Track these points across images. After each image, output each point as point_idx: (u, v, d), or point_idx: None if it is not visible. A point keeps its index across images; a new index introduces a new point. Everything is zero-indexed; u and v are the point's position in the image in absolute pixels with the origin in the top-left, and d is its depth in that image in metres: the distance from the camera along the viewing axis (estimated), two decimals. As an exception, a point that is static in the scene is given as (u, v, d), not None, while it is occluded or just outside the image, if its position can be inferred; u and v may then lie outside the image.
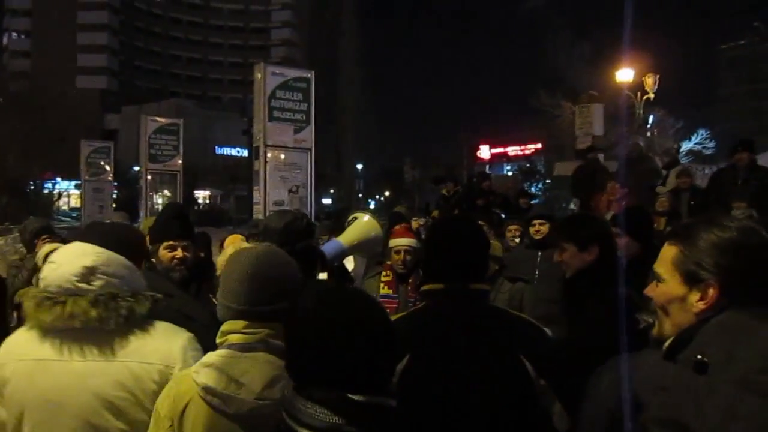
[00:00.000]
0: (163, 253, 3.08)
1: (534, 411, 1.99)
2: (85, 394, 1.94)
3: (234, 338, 1.84)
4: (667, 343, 1.48)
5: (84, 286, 1.99)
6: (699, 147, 37.31)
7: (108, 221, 4.41)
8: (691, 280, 1.45)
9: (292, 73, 9.53)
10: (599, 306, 2.43)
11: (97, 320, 1.95)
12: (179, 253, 3.09)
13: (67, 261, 2.03)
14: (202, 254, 4.92)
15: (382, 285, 4.35)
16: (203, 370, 1.78)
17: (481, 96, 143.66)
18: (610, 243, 2.81)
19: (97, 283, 2.00)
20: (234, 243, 4.31)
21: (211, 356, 1.84)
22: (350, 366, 1.41)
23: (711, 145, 37.31)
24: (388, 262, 4.43)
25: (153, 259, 3.05)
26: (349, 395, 1.38)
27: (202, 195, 57.82)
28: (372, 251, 4.23)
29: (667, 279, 1.51)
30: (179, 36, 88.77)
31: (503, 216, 8.76)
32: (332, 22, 79.65)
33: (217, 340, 1.89)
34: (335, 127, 68.29)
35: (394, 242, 4.39)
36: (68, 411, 1.94)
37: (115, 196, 21.35)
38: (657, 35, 33.48)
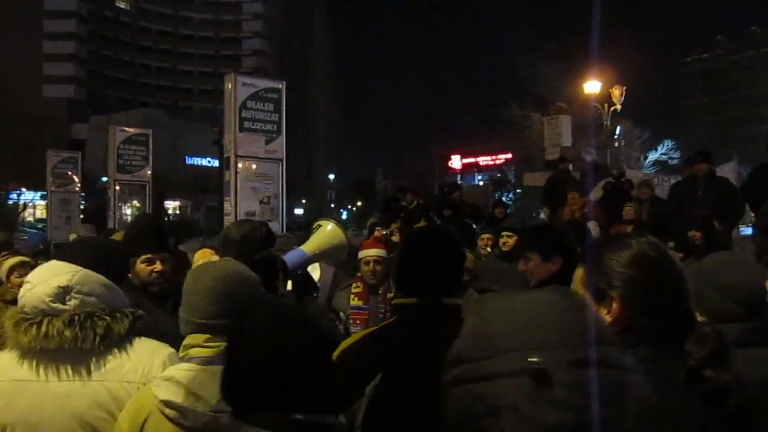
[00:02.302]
0: (141, 267, 2.97)
1: None
2: (63, 415, 1.93)
3: (195, 352, 1.85)
4: None
5: (58, 306, 1.96)
6: (665, 157, 38.11)
7: (91, 237, 4.29)
8: (599, 297, 1.50)
9: (263, 83, 9.52)
10: None
11: (72, 340, 1.93)
12: (158, 266, 2.99)
13: (41, 281, 2.01)
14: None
15: (352, 296, 4.36)
16: (163, 384, 1.79)
17: (452, 106, 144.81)
18: (573, 253, 2.86)
19: (72, 302, 1.98)
20: (204, 257, 4.30)
21: (172, 370, 1.85)
22: (289, 387, 1.43)
23: (676, 155, 38.12)
24: (359, 274, 4.44)
25: (129, 274, 2.92)
26: (290, 414, 1.40)
27: (172, 206, 57.13)
28: (337, 259, 4.21)
29: None
30: (149, 45, 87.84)
31: (474, 226, 8.83)
32: (304, 32, 79.72)
33: (180, 354, 1.90)
34: (307, 137, 68.16)
35: (363, 253, 4.41)
36: None
37: (82, 207, 20.99)
38: (623, 48, 34.13)
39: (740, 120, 70.37)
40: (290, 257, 3.38)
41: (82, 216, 18.85)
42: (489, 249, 6.58)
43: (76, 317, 1.96)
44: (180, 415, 1.72)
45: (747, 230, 9.25)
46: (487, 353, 1.04)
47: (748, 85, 74.12)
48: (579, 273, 1.57)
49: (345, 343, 2.11)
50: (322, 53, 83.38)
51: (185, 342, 1.89)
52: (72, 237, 7.19)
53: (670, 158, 38.16)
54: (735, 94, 74.87)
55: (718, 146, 47.85)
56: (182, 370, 1.82)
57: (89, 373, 1.97)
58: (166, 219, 47.16)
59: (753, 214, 7.76)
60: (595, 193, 9.69)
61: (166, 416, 1.74)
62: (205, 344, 1.84)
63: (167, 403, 1.74)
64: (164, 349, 2.10)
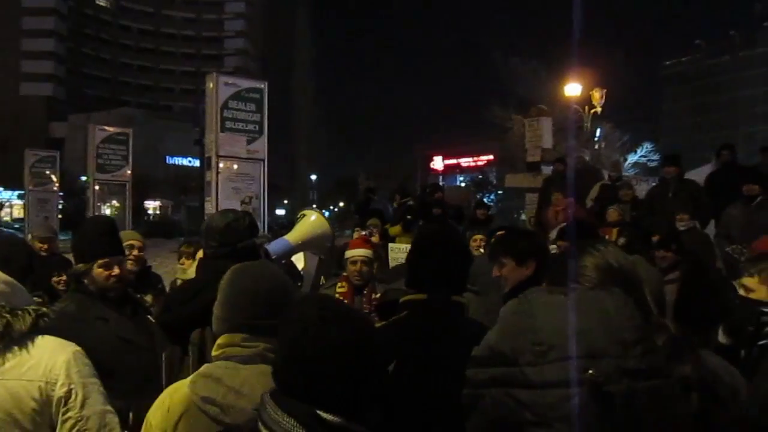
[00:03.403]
0: (99, 271, 2.84)
1: None
2: None
3: (232, 351, 1.85)
4: None
5: None
6: (644, 159, 38.52)
7: None
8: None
9: (245, 83, 9.48)
10: None
11: None
12: (116, 270, 2.88)
13: None
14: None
15: (337, 296, 4.35)
16: (201, 380, 1.78)
17: (435, 108, 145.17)
18: (546, 257, 2.90)
19: None
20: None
21: (209, 367, 1.84)
22: (331, 385, 1.42)
23: (655, 157, 38.53)
24: (344, 273, 4.43)
25: (84, 280, 2.85)
26: (320, 412, 1.40)
27: (152, 205, 56.66)
28: (321, 248, 4.20)
29: None
30: (129, 44, 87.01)
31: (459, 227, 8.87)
32: (286, 32, 79.42)
33: (213, 353, 1.90)
34: (289, 137, 67.98)
35: (350, 253, 4.38)
36: None
37: (61, 207, 20.75)
38: (604, 51, 34.46)
39: (718, 123, 71.28)
40: (274, 246, 3.39)
41: (60, 216, 18.64)
42: (482, 250, 6.59)
43: None
44: (222, 412, 1.71)
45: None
46: (537, 358, 1.01)
47: (726, 89, 75.12)
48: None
49: None
50: (304, 53, 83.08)
51: (219, 341, 1.89)
52: (29, 237, 7.10)
53: (649, 160, 38.58)
54: (713, 98, 75.81)
55: (696, 149, 48.44)
56: (220, 368, 1.81)
57: None
58: (145, 219, 46.86)
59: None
60: (591, 196, 9.75)
61: (206, 412, 1.72)
62: (242, 344, 1.84)
63: (208, 400, 1.72)
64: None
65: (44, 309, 2.10)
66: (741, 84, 73.21)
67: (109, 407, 2.10)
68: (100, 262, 2.85)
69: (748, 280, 2.49)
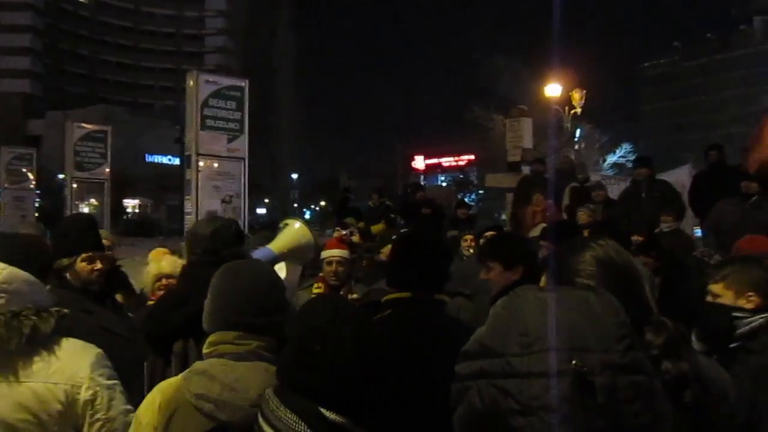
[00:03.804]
0: (82, 265, 2.91)
1: None
2: None
3: (225, 348, 1.84)
4: None
5: None
6: (623, 160, 38.92)
7: (13, 232, 4.18)
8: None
9: (226, 81, 9.45)
10: None
11: None
12: (98, 264, 2.96)
13: None
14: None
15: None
16: (194, 377, 1.77)
17: (417, 107, 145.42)
18: (534, 261, 2.92)
19: None
20: (158, 256, 4.24)
21: (202, 364, 1.83)
22: (337, 384, 1.43)
23: (633, 158, 38.90)
24: (321, 274, 4.41)
25: (66, 274, 2.90)
26: (322, 410, 1.41)
27: (131, 204, 56.12)
28: (303, 258, 4.20)
29: None
30: (109, 40, 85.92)
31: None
32: (268, 30, 79.14)
33: (205, 350, 1.89)
34: (270, 136, 67.68)
35: (326, 253, 4.37)
36: None
37: (37, 205, 20.49)
38: (584, 52, 34.79)
39: (695, 125, 72.20)
40: (258, 255, 3.37)
41: (36, 214, 18.41)
42: (471, 251, 6.59)
43: (2, 317, 1.91)
44: (216, 408, 1.70)
45: (698, 232, 9.49)
46: (522, 349, 1.03)
47: (702, 91, 76.10)
48: (544, 282, 1.58)
49: None
50: (286, 52, 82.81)
51: (211, 339, 1.88)
52: None
53: (627, 161, 38.94)
54: (690, 100, 76.78)
55: (673, 150, 49.06)
56: (214, 365, 1.80)
57: (15, 374, 1.92)
58: (124, 218, 46.43)
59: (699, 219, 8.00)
60: (565, 201, 9.86)
61: (200, 409, 1.71)
62: (236, 341, 1.84)
63: (202, 396, 1.71)
64: (91, 350, 2.07)
65: (65, 310, 2.09)
66: (718, 86, 74.20)
67: (129, 406, 2.12)
68: (83, 256, 2.91)
69: (713, 287, 2.52)
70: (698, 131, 68.10)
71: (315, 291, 4.32)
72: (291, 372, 1.48)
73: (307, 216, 62.85)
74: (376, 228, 9.53)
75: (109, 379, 2.08)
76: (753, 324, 2.39)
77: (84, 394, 1.99)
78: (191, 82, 8.87)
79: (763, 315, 2.40)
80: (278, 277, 2.05)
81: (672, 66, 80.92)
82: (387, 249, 4.80)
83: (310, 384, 1.44)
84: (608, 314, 1.07)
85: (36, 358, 1.95)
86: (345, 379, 1.44)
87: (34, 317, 1.95)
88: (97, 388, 2.03)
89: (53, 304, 2.08)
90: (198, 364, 1.85)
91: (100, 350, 2.08)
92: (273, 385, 1.53)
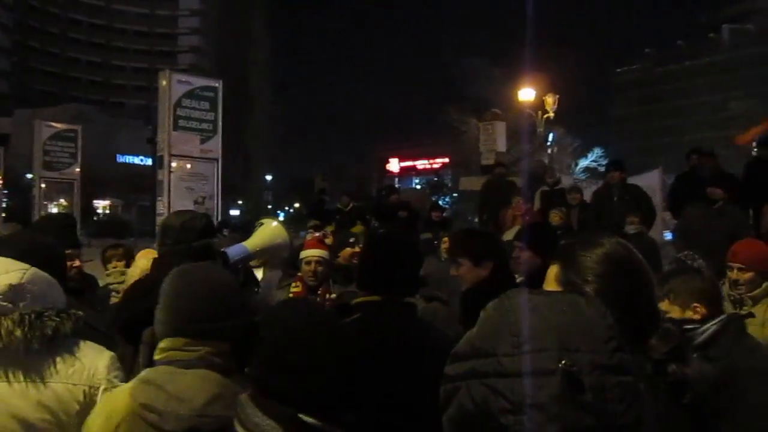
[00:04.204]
0: None
1: None
2: (5, 417, 1.88)
3: (174, 355, 1.81)
4: None
5: (8, 305, 1.92)
6: (594, 164, 39.48)
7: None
8: (574, 291, 1.56)
9: (199, 81, 9.38)
10: None
11: (21, 340, 1.89)
12: (77, 262, 3.08)
13: None
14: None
15: (291, 296, 4.32)
16: (141, 386, 1.75)
17: (392, 110, 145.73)
18: (503, 258, 2.94)
19: (23, 302, 1.95)
20: (147, 256, 4.19)
21: (150, 372, 1.81)
22: (312, 388, 1.43)
23: (605, 162, 39.49)
24: (299, 274, 4.41)
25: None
26: (300, 415, 1.41)
27: (101, 205, 55.32)
28: (277, 257, 4.19)
29: None
30: (79, 38, 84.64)
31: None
32: (242, 30, 78.56)
33: (156, 357, 1.86)
34: (244, 137, 67.23)
35: (305, 253, 4.37)
36: None
37: (5, 204, 20.09)
38: (557, 57, 35.19)
39: (666, 130, 73.41)
40: (232, 251, 3.36)
41: (4, 215, 18.05)
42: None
43: (27, 317, 1.92)
44: (160, 419, 1.67)
45: (668, 235, 9.67)
46: (513, 349, 1.04)
47: (673, 97, 77.42)
48: (554, 270, 1.58)
49: None
50: (260, 52, 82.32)
51: (162, 345, 1.85)
52: None
53: (599, 165, 39.52)
54: (662, 105, 78.03)
55: (644, 155, 49.89)
56: (161, 373, 1.77)
57: (37, 373, 1.93)
58: (95, 219, 45.74)
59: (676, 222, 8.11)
60: (536, 205, 10.00)
61: (145, 419, 1.69)
62: (185, 348, 1.80)
63: (147, 407, 1.69)
64: (106, 352, 2.09)
65: (80, 312, 2.10)
66: (688, 92, 75.55)
67: None
68: (65, 252, 2.94)
69: (659, 305, 2.58)
70: (669, 136, 69.30)
71: (293, 290, 4.31)
72: (265, 377, 1.48)
73: (281, 217, 62.59)
74: (356, 229, 9.55)
75: (122, 380, 2.09)
76: (707, 332, 2.44)
77: (101, 396, 2.01)
78: (164, 82, 8.79)
79: (714, 322, 2.47)
80: (232, 282, 1.98)
81: (643, 72, 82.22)
82: (344, 252, 4.80)
83: (286, 389, 1.43)
84: (597, 317, 1.09)
85: (57, 359, 1.97)
86: (320, 382, 1.44)
87: (56, 318, 1.97)
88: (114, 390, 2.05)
89: (69, 306, 2.10)
90: (146, 372, 1.83)
91: (112, 353, 2.10)
92: (247, 390, 1.52)
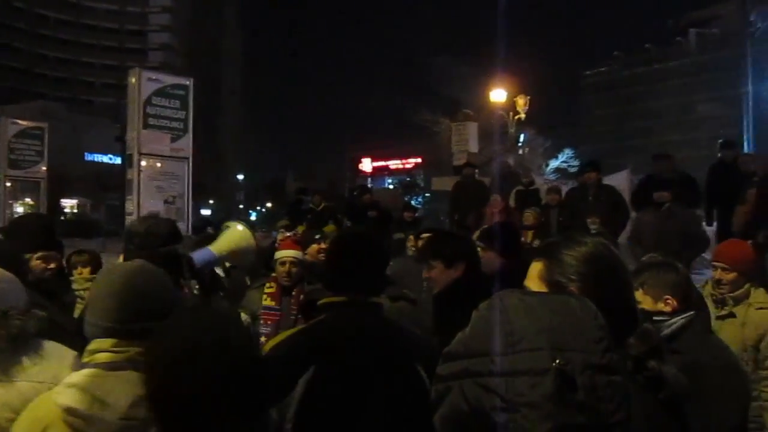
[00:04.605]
0: (37, 263, 3.01)
1: (429, 421, 2.08)
2: None
3: (101, 357, 1.77)
4: None
5: None
6: (565, 165, 39.96)
7: None
8: (558, 290, 1.55)
9: (170, 79, 9.30)
10: (467, 318, 2.57)
11: None
12: (52, 264, 3.07)
13: None
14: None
15: (264, 297, 4.29)
16: (66, 391, 1.70)
17: (364, 109, 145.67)
18: (475, 259, 2.96)
19: None
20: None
21: (75, 376, 1.76)
22: (216, 389, 1.42)
23: (575, 163, 40.01)
24: (273, 274, 4.40)
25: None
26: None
27: (69, 204, 54.33)
28: (244, 262, 4.17)
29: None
30: (47, 34, 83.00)
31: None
32: (214, 29, 77.89)
33: (83, 359, 1.82)
34: (216, 136, 66.61)
35: (279, 254, 4.36)
36: None
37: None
38: (528, 59, 35.58)
39: (634, 132, 74.61)
40: (198, 256, 3.33)
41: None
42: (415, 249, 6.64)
43: None
44: (84, 424, 1.64)
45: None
46: (507, 348, 1.05)
47: (641, 100, 78.72)
48: (537, 267, 1.58)
49: (275, 340, 2.18)
50: (232, 51, 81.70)
51: (90, 347, 1.80)
52: None
53: (569, 166, 40.02)
54: (630, 107, 79.25)
55: (613, 156, 50.61)
56: (87, 376, 1.73)
57: (3, 372, 1.92)
58: (62, 218, 44.91)
59: None
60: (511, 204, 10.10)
61: (69, 425, 1.65)
62: (112, 349, 1.76)
63: (71, 411, 1.65)
64: (70, 352, 2.08)
65: (42, 313, 2.08)
66: (655, 95, 76.88)
67: None
68: (40, 254, 3.01)
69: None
70: (637, 138, 70.46)
71: (267, 291, 4.30)
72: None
73: (253, 217, 62.15)
74: (328, 229, 9.53)
75: None
76: (674, 326, 2.52)
77: None
78: (133, 80, 8.70)
79: (682, 316, 2.54)
80: (159, 278, 1.93)
81: (612, 75, 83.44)
82: (311, 250, 4.81)
83: (188, 394, 1.42)
84: (588, 317, 1.12)
85: (23, 358, 1.96)
86: (224, 383, 1.42)
87: (20, 317, 1.96)
88: None
89: (31, 305, 2.08)
90: (71, 377, 1.79)
91: (75, 352, 2.07)
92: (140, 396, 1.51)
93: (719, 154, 8.82)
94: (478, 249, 3.25)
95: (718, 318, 3.72)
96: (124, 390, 1.69)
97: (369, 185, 34.58)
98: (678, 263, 2.76)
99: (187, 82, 9.36)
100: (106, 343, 1.78)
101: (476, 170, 11.78)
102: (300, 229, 9.01)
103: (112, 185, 47.65)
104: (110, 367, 1.74)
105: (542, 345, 1.04)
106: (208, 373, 1.43)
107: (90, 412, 1.65)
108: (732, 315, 3.71)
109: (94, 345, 1.80)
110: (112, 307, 1.80)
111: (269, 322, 4.15)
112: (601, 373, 1.05)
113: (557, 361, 1.02)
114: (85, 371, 1.76)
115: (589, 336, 1.08)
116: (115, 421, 1.64)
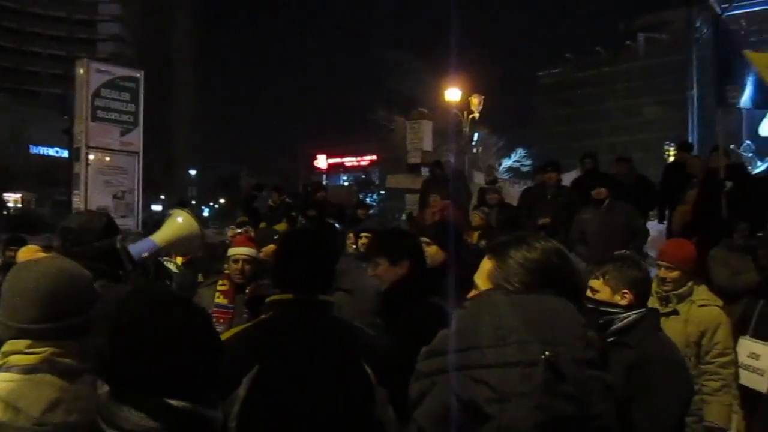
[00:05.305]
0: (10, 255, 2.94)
1: (373, 417, 2.10)
2: None
3: (15, 359, 1.69)
4: None
5: None
6: (518, 164, 40.63)
7: None
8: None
9: (120, 71, 9.10)
10: (414, 314, 2.60)
11: None
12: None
13: None
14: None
15: (217, 294, 4.22)
16: None
17: (320, 106, 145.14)
18: (420, 256, 2.99)
19: None
20: (29, 255, 4.01)
21: None
22: (169, 372, 1.39)
23: (527, 162, 40.72)
24: (227, 271, 4.34)
25: None
26: (168, 400, 1.37)
27: (12, 198, 52.57)
28: (189, 249, 4.10)
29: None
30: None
31: (336, 226, 8.91)
32: (166, 20, 76.36)
33: None
34: (167, 130, 65.36)
35: (233, 251, 4.29)
36: None
37: None
38: (483, 60, 36.03)
39: (584, 132, 76.19)
40: (137, 247, 3.26)
41: None
42: (354, 248, 6.65)
43: None
44: None
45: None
46: (498, 341, 1.06)
47: (592, 101, 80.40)
48: (487, 266, 1.56)
49: (221, 337, 2.14)
50: (184, 43, 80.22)
51: (4, 349, 1.72)
52: None
53: (522, 165, 40.71)
54: (581, 109, 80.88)
55: (564, 156, 51.55)
56: (0, 381, 1.66)
57: None
58: (4, 213, 43.47)
59: None
60: (473, 201, 10.15)
61: None
62: (26, 351, 1.69)
63: None
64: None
65: None
66: (605, 97, 78.64)
67: None
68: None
69: (593, 282, 2.73)
70: (587, 138, 71.92)
71: (219, 288, 4.24)
72: (123, 369, 1.42)
73: (206, 213, 61.25)
74: (279, 227, 9.45)
75: None
76: (626, 320, 2.60)
77: None
78: (81, 71, 8.49)
79: (636, 311, 2.62)
80: (76, 274, 1.84)
81: (564, 76, 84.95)
82: (267, 248, 4.77)
83: (146, 375, 1.39)
84: (569, 314, 1.15)
85: None
86: (179, 363, 1.40)
87: None
88: None
89: None
90: None
91: None
92: (104, 390, 1.47)
93: (672, 156, 9.05)
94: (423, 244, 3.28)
95: (662, 315, 3.84)
96: (39, 394, 1.63)
97: (324, 182, 34.44)
98: (642, 261, 2.86)
99: (138, 75, 9.16)
100: (20, 344, 1.71)
101: (443, 170, 11.81)
102: (250, 228, 8.91)
103: (59, 179, 46.31)
104: (24, 370, 1.67)
105: (532, 338, 1.07)
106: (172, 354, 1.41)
107: (2, 419, 1.58)
108: (675, 312, 3.82)
109: (7, 347, 1.73)
110: (25, 306, 1.72)
111: (222, 321, 4.09)
112: (585, 366, 1.08)
113: (547, 353, 1.04)
114: (0, 375, 1.69)
115: (573, 332, 1.11)
116: (28, 427, 1.58)
